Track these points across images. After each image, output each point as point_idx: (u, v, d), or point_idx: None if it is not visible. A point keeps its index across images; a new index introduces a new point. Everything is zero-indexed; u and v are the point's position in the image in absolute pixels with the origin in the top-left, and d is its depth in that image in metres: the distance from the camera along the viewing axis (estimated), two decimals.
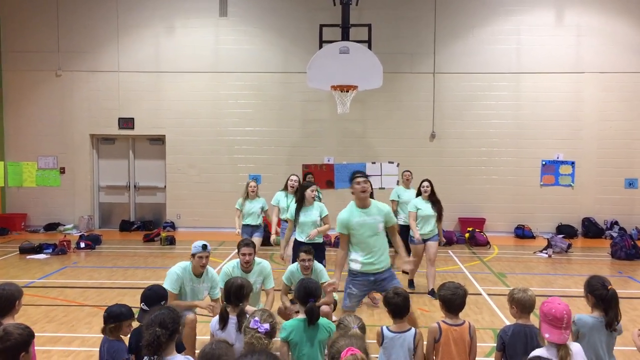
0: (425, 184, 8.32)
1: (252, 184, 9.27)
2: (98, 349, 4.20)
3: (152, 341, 3.26)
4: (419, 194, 8.42)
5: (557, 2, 14.09)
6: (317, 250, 7.58)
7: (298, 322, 4.24)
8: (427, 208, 8.24)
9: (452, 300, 4.24)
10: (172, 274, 5.51)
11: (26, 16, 14.62)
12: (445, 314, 4.30)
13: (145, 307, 4.19)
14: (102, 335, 4.15)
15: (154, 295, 4.28)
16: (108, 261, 11.06)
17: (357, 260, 5.52)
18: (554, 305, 3.57)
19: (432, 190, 8.30)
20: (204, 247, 5.53)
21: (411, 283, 8.70)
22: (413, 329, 4.22)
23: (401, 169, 14.08)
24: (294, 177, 8.96)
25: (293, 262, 7.49)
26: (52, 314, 7.43)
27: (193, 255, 5.53)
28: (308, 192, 7.53)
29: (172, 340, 3.34)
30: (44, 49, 14.59)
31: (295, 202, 7.67)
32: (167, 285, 5.34)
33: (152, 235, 13.42)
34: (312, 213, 7.52)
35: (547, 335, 3.53)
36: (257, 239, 8.97)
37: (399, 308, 4.26)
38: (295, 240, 7.63)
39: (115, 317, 4.05)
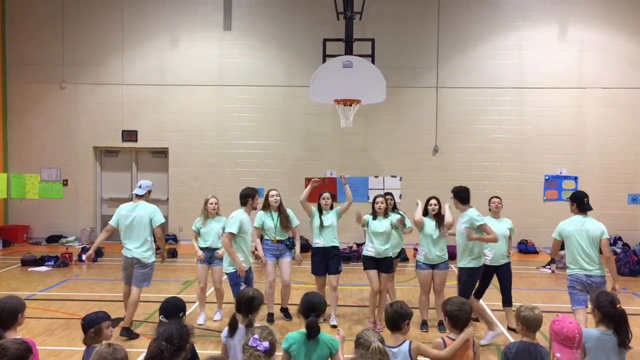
0: (433, 202, 7.51)
1: (213, 200, 7.83)
2: None
3: (155, 355, 3.21)
4: (425, 213, 7.56)
5: (560, 18, 14.15)
6: (334, 255, 7.76)
7: (301, 334, 4.23)
8: (432, 228, 7.39)
9: (459, 316, 4.22)
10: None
11: (31, 29, 14.72)
12: (449, 329, 4.27)
13: (164, 320, 4.15)
14: None
15: (173, 308, 4.25)
16: (110, 274, 11.03)
17: None
18: (565, 325, 3.54)
19: (440, 210, 7.49)
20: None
21: (424, 324, 7.51)
22: (407, 342, 4.16)
23: (404, 183, 14.16)
24: (274, 192, 7.85)
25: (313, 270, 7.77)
26: (53, 327, 7.42)
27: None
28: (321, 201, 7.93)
29: (176, 357, 3.29)
30: (48, 62, 14.67)
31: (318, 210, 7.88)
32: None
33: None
34: (329, 218, 7.84)
35: (558, 355, 3.49)
36: (218, 267, 7.69)
37: (389, 321, 4.25)
38: (314, 248, 7.81)
39: (92, 322, 4.02)
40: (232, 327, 4.45)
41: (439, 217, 7.45)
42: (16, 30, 14.78)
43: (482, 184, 14.10)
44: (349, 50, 12.07)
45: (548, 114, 14.15)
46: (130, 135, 14.69)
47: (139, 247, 7.25)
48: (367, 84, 11.30)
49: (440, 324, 7.41)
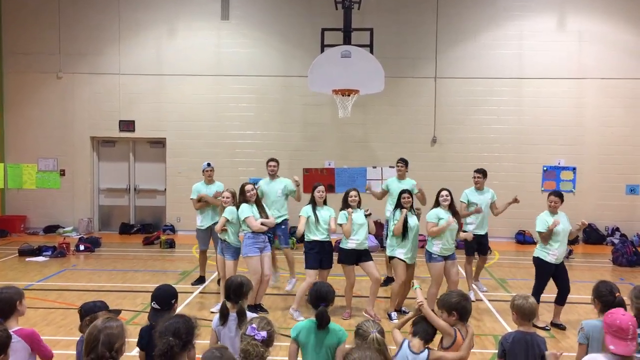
0: (445, 193, 7.43)
1: (225, 194, 7.92)
2: None
3: (166, 351, 3.21)
4: (437, 204, 7.50)
5: (560, 8, 14.09)
6: (329, 250, 7.74)
7: (309, 323, 4.27)
8: (447, 219, 7.32)
9: (466, 307, 4.24)
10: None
11: (28, 18, 14.61)
12: (454, 323, 4.26)
13: (156, 306, 4.15)
14: None
15: (165, 294, 4.23)
16: (107, 264, 11.03)
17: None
18: (619, 316, 3.48)
19: (452, 201, 7.49)
20: (208, 164, 9.44)
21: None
22: (427, 351, 4.04)
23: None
24: (248, 187, 7.87)
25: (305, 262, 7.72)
26: (50, 317, 7.42)
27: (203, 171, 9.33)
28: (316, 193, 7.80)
29: (185, 351, 3.30)
30: (45, 51, 14.58)
31: (310, 203, 7.83)
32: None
33: (152, 239, 13.39)
34: (324, 215, 7.73)
35: (612, 347, 3.40)
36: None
37: (425, 330, 4.15)
38: (310, 242, 7.69)
39: (89, 310, 4.06)
40: (223, 315, 4.48)
41: (453, 209, 7.44)
42: (12, 20, 14.67)
43: None
44: (347, 40, 12.00)
45: (547, 104, 14.12)
46: (127, 125, 14.63)
47: None
48: (365, 74, 11.24)
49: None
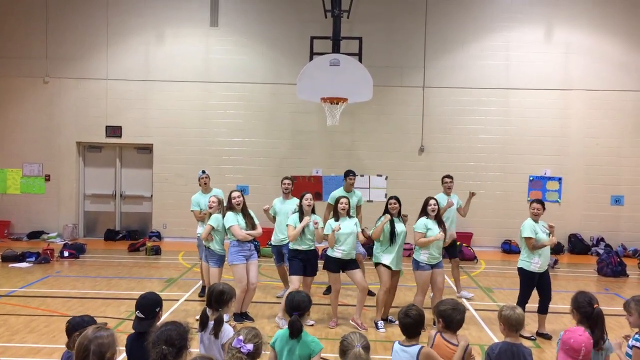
0: (433, 202, 7.39)
1: (235, 194, 7.95)
2: None
3: None
4: (424, 213, 7.43)
5: (547, 20, 14.24)
6: (313, 258, 7.72)
7: (285, 332, 4.24)
8: (436, 229, 7.28)
9: (452, 315, 4.22)
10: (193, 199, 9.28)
11: (15, 22, 14.49)
12: (442, 331, 4.26)
13: (140, 315, 4.07)
14: None
15: (149, 302, 4.17)
16: (92, 271, 10.91)
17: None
18: (574, 335, 3.50)
19: (439, 210, 7.52)
20: (203, 172, 9.43)
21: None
22: (418, 346, 4.08)
23: (390, 182, 14.17)
24: (235, 194, 7.84)
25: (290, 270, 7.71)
26: (33, 324, 7.31)
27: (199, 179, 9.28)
28: (304, 202, 7.72)
29: (180, 357, 3.25)
30: (32, 55, 14.46)
31: (297, 212, 7.77)
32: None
33: (138, 245, 13.28)
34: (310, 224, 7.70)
35: None
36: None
37: (407, 328, 4.19)
38: (294, 250, 7.66)
39: (77, 325, 3.95)
40: (202, 322, 4.46)
41: (438, 218, 7.44)
42: None
43: (467, 184, 14.12)
44: (336, 49, 12.03)
45: (533, 115, 14.23)
46: (114, 130, 14.54)
47: None
48: (354, 83, 11.25)
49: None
